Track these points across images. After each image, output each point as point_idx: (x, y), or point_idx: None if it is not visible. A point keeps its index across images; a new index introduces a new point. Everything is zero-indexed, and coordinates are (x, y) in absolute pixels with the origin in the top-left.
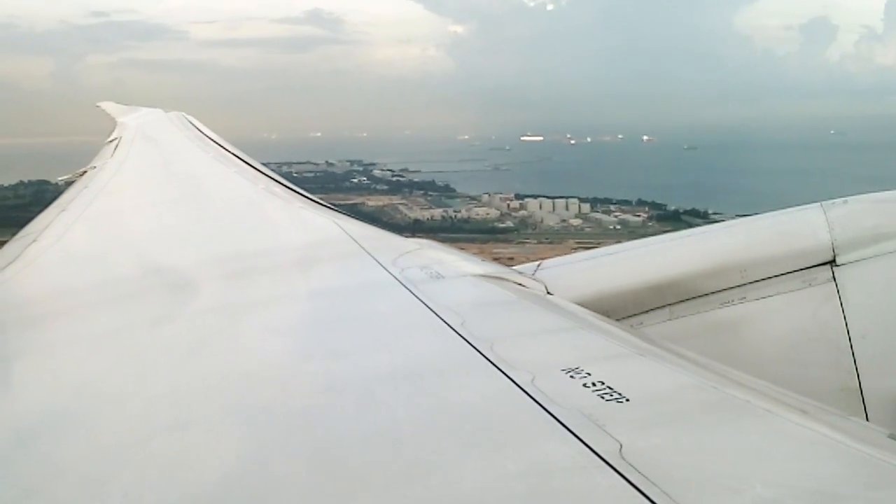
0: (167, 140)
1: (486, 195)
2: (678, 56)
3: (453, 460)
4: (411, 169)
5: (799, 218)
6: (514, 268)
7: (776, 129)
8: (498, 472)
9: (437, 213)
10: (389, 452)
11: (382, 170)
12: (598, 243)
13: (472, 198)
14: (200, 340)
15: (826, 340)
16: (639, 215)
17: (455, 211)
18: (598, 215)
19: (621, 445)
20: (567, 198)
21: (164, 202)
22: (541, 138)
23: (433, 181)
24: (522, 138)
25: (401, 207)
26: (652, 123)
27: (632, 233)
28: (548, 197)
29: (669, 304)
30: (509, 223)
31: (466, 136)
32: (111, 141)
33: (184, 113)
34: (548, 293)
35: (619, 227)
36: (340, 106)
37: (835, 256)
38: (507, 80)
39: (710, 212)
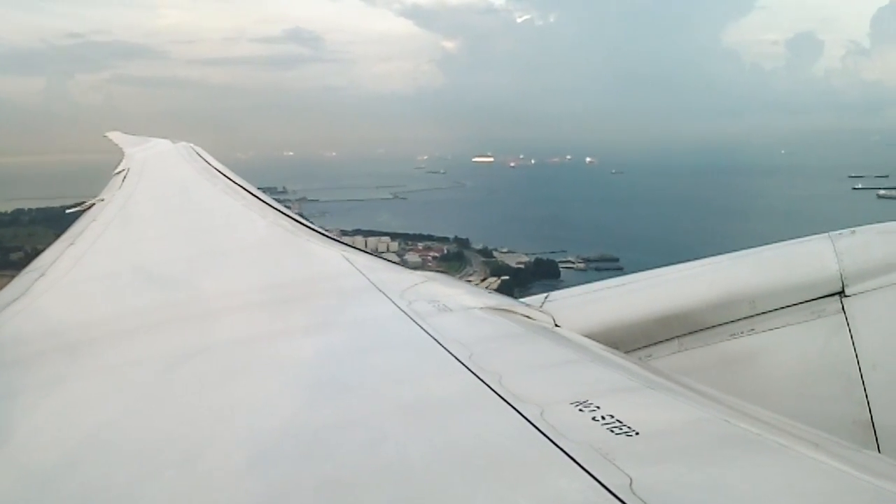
0: (175, 172)
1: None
2: (664, 72)
3: (462, 495)
4: (309, 198)
5: (807, 249)
6: (521, 300)
7: (734, 147)
8: None
9: None
10: (398, 487)
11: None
12: None
13: None
14: (208, 375)
15: (836, 372)
16: (426, 255)
17: None
18: (389, 254)
19: (631, 480)
20: (381, 235)
21: (172, 236)
22: (491, 160)
23: (302, 214)
24: (474, 159)
25: None
26: (628, 140)
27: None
28: (364, 234)
29: (678, 336)
30: None
31: (425, 157)
32: (119, 172)
33: (191, 144)
34: (556, 325)
35: None
36: (319, 124)
37: (844, 287)
38: (490, 97)
39: (501, 249)
